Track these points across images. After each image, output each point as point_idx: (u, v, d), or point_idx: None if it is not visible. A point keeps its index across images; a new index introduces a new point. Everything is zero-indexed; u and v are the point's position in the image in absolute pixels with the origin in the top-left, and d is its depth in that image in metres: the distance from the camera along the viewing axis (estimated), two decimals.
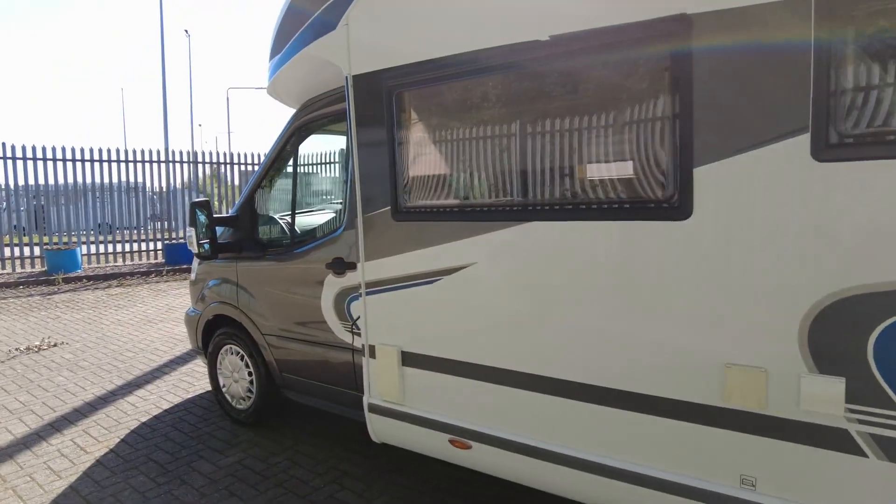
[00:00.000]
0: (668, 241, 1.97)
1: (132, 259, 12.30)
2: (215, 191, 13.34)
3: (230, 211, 4.07)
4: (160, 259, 12.50)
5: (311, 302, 3.36)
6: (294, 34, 3.05)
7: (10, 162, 10.70)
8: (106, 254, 11.91)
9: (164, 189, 12.62)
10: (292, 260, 3.45)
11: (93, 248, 11.84)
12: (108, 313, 7.86)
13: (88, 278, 10.56)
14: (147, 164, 12.13)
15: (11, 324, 7.28)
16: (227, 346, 3.99)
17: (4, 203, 12.33)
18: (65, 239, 11.71)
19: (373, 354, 2.88)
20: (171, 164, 12.48)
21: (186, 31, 58.53)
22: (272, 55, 3.38)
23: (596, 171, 2.17)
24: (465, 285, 2.48)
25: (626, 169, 2.09)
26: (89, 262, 11.78)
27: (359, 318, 3.10)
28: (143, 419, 4.15)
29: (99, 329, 6.93)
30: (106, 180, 11.84)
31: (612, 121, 2.08)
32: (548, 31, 2.13)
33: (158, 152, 12.31)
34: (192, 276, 4.34)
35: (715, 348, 1.93)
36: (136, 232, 12.36)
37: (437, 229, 2.55)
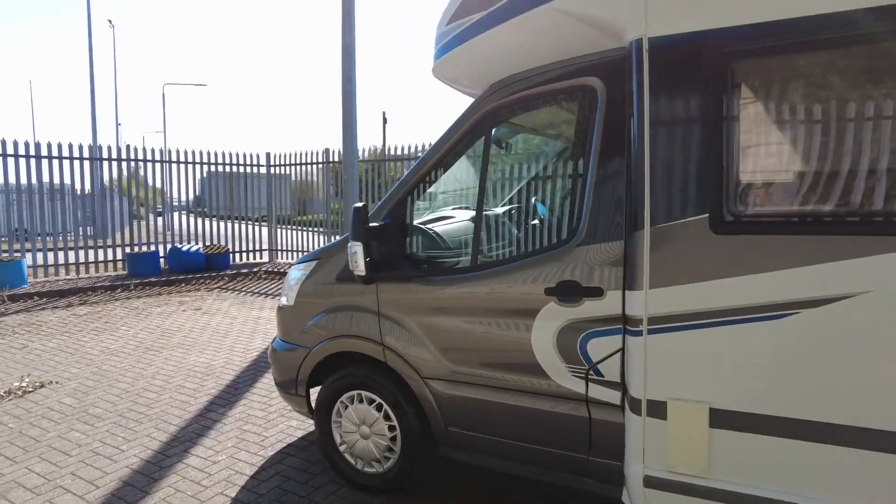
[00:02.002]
0: None
1: (87, 271, 10.59)
2: (135, 193, 11.78)
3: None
4: (121, 270, 10.87)
5: (512, 338, 2.57)
6: None
7: None
8: (57, 266, 10.15)
9: (96, 189, 10.91)
10: (478, 282, 2.64)
11: (39, 259, 10.05)
12: (89, 339, 6.48)
13: (39, 295, 8.89)
14: (107, 163, 10.48)
15: None
16: (354, 394, 3.09)
17: None
18: (4, 246, 9.87)
19: (655, 413, 2.15)
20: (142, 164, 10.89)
21: (110, 21, 53.58)
22: (456, 19, 2.57)
23: None
24: (846, 319, 1.82)
25: None
26: (35, 276, 9.99)
27: (602, 361, 2.36)
28: (231, 492, 3.14)
29: (88, 361, 5.62)
30: (31, 180, 10.06)
31: None
32: None
33: (110, 148, 10.69)
34: (287, 299, 3.39)
35: None
36: (61, 239, 10.41)
37: (797, 246, 1.87)
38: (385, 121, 35.85)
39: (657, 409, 2.14)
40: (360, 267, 2.53)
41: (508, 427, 2.66)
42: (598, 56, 2.33)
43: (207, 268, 11.22)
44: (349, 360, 3.14)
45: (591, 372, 2.41)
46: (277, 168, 12.89)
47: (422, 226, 2.91)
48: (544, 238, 2.57)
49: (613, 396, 2.38)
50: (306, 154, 12.51)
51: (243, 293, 9.54)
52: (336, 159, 12.11)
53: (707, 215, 1.98)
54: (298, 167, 12.69)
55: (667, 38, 1.99)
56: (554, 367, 2.48)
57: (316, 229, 12.50)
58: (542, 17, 2.25)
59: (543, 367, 2.51)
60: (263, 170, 12.85)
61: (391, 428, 2.99)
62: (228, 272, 11.14)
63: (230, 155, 12.33)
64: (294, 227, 12.95)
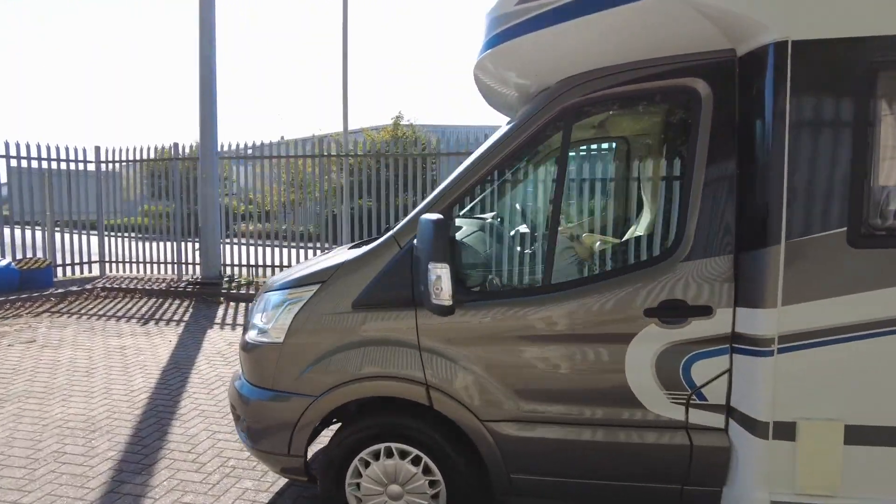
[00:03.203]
0: None
1: None
2: None
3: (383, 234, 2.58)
4: None
5: (599, 366, 2.27)
6: None
7: None
8: None
9: None
10: (556, 305, 2.28)
11: None
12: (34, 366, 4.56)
13: None
14: None
15: None
16: (381, 447, 2.50)
17: None
18: None
19: (783, 434, 2.02)
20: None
21: None
22: (528, 1, 2.19)
23: None
24: None
25: None
26: None
27: (707, 384, 2.19)
28: None
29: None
30: None
31: None
32: None
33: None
34: (263, 335, 2.65)
35: None
36: None
37: None
38: None
39: (785, 431, 2.02)
40: (444, 294, 1.99)
41: (588, 467, 2.35)
42: (700, 57, 2.15)
43: (22, 287, 8.87)
44: (369, 408, 2.55)
45: (694, 396, 2.22)
46: (112, 165, 10.74)
47: (480, 239, 2.45)
48: (637, 252, 2.31)
49: (717, 420, 2.22)
50: (147, 149, 10.62)
51: (85, 317, 7.71)
52: (187, 154, 10.47)
53: (845, 228, 1.91)
54: (137, 164, 10.70)
55: (813, 43, 1.87)
56: (650, 395, 2.24)
57: (154, 235, 10.64)
58: (663, 8, 1.99)
59: (637, 395, 2.25)
60: (92, 167, 10.60)
61: (433, 483, 2.48)
62: (54, 291, 8.94)
63: (47, 148, 9.94)
64: (130, 234, 10.92)
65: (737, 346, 2.14)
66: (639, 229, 2.34)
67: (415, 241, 2.24)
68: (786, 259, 1.95)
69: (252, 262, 10.07)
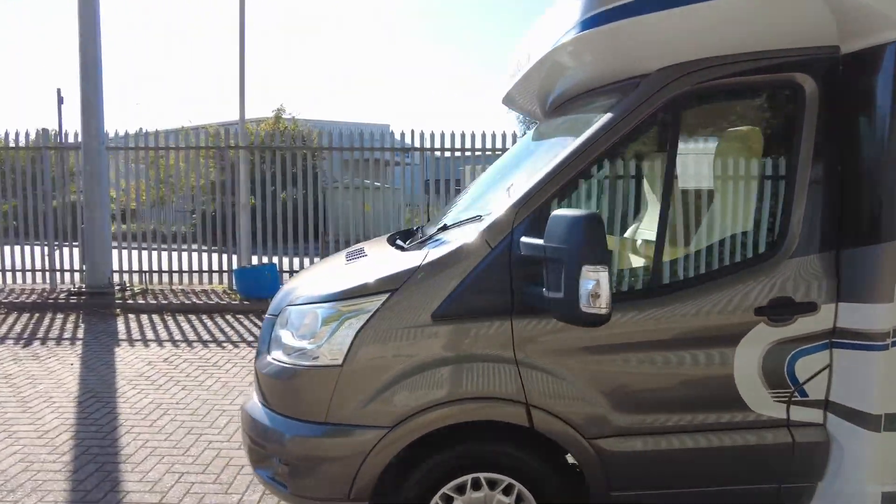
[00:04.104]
0: None
1: None
2: None
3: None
4: None
5: (706, 370, 2.17)
6: None
7: None
8: None
9: None
10: (663, 308, 2.13)
11: None
12: None
13: None
14: None
15: None
16: (467, 479, 2.18)
17: None
18: None
19: (894, 426, 2.07)
20: None
21: None
22: None
23: None
24: None
25: None
26: None
27: (809, 380, 2.20)
28: None
29: None
30: None
31: None
32: None
33: None
34: (298, 356, 2.22)
35: None
36: None
37: None
38: (62, 100, 28.26)
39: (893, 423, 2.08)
40: (603, 301, 1.72)
41: (691, 475, 2.25)
42: (805, 52, 2.12)
43: None
44: (447, 436, 2.21)
45: (796, 393, 2.20)
46: None
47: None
48: (744, 250, 2.23)
49: (817, 416, 2.22)
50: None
51: None
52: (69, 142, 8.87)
53: None
54: None
55: None
56: (755, 395, 2.19)
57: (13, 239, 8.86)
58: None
59: (743, 396, 2.19)
60: None
61: None
62: None
63: None
64: None
65: (839, 340, 2.16)
66: (743, 225, 2.28)
67: (535, 241, 1.95)
68: None
69: (137, 266, 8.79)
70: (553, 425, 2.14)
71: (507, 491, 2.20)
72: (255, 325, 7.01)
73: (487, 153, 8.79)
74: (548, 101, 3.23)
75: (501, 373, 2.12)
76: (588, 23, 2.16)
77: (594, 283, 1.70)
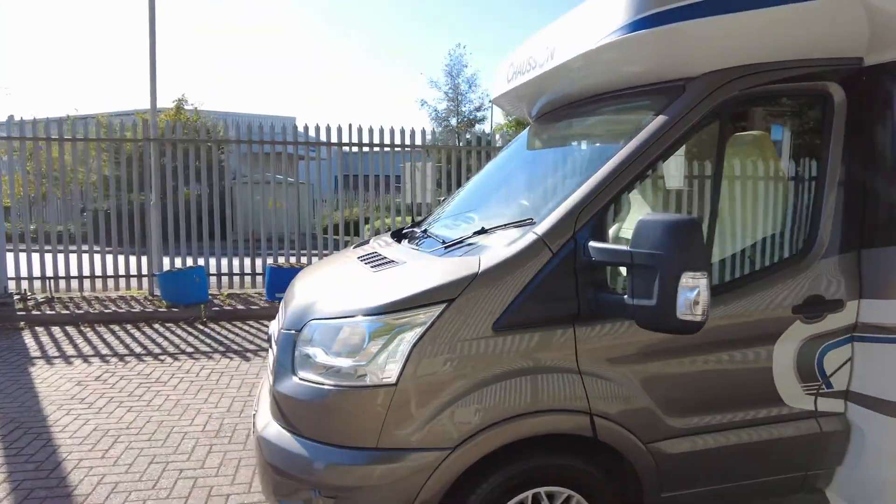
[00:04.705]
0: None
1: None
2: None
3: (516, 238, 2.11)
4: None
5: (750, 368, 2.25)
6: None
7: None
8: None
9: None
10: (720, 308, 2.16)
11: None
12: None
13: None
14: None
15: None
16: (528, 495, 2.09)
17: None
18: None
19: None
20: None
21: None
22: None
23: None
24: None
25: None
26: None
27: (834, 373, 2.34)
28: None
29: None
30: None
31: None
32: None
33: None
34: (338, 377, 2.03)
35: None
36: None
37: None
38: None
39: None
40: (701, 308, 1.68)
41: (731, 470, 2.31)
42: (834, 63, 2.24)
43: None
44: (503, 452, 2.10)
45: (823, 385, 2.34)
46: None
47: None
48: (781, 251, 2.31)
49: (839, 406, 2.37)
50: None
51: None
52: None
53: None
54: None
55: None
56: (789, 390, 2.29)
57: None
58: (833, 9, 2.01)
59: (780, 392, 2.28)
60: None
61: None
62: None
63: None
64: None
65: (860, 335, 2.32)
66: (781, 227, 2.37)
67: (616, 247, 1.89)
68: None
69: (39, 272, 7.74)
70: (616, 433, 2.10)
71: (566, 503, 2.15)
72: (190, 334, 6.40)
73: (397, 149, 8.61)
74: (538, 104, 3.19)
75: (566, 382, 2.05)
76: (642, 23, 2.13)
77: (696, 290, 1.68)
